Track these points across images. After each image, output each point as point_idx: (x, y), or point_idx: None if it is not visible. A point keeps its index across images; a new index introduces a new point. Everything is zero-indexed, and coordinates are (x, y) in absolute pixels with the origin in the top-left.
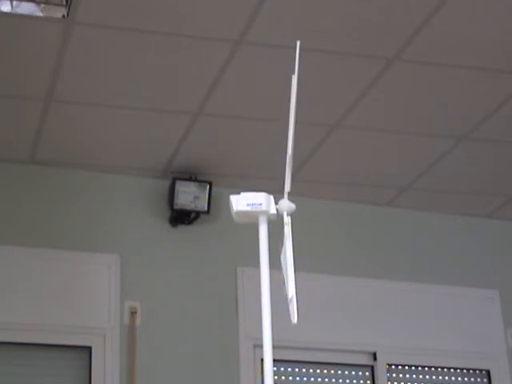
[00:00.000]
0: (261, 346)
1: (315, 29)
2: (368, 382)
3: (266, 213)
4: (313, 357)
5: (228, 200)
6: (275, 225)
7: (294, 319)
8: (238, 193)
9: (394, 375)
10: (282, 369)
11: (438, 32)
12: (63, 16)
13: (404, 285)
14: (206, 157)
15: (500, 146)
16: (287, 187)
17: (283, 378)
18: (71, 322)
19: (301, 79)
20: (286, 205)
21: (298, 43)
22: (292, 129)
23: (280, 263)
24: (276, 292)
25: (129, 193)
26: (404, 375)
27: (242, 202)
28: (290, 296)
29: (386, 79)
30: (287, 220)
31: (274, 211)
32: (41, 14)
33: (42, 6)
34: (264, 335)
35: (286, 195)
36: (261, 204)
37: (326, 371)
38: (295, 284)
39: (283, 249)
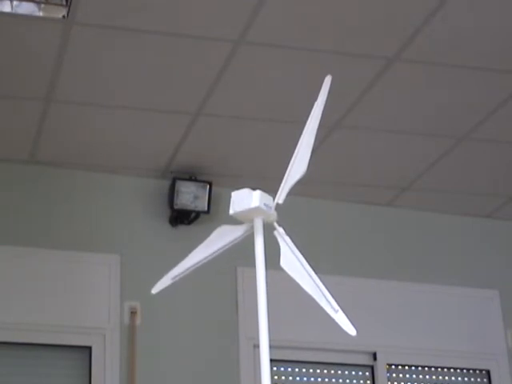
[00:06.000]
0: None
1: (315, 29)
2: (368, 382)
3: (269, 216)
4: (313, 357)
5: (229, 198)
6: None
7: (353, 331)
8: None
9: (394, 375)
10: (282, 369)
11: (438, 32)
12: (63, 16)
13: (404, 285)
14: (205, 157)
15: (500, 146)
16: (280, 199)
17: (283, 377)
18: (71, 322)
19: (300, 79)
20: (275, 215)
21: (330, 78)
22: (308, 152)
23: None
24: (276, 292)
25: (129, 193)
26: (404, 375)
27: (261, 199)
28: (336, 309)
29: (386, 79)
30: (281, 230)
31: (275, 217)
32: (41, 14)
33: (42, 5)
34: (261, 336)
35: (274, 205)
36: (271, 207)
37: (326, 371)
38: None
39: (286, 257)
